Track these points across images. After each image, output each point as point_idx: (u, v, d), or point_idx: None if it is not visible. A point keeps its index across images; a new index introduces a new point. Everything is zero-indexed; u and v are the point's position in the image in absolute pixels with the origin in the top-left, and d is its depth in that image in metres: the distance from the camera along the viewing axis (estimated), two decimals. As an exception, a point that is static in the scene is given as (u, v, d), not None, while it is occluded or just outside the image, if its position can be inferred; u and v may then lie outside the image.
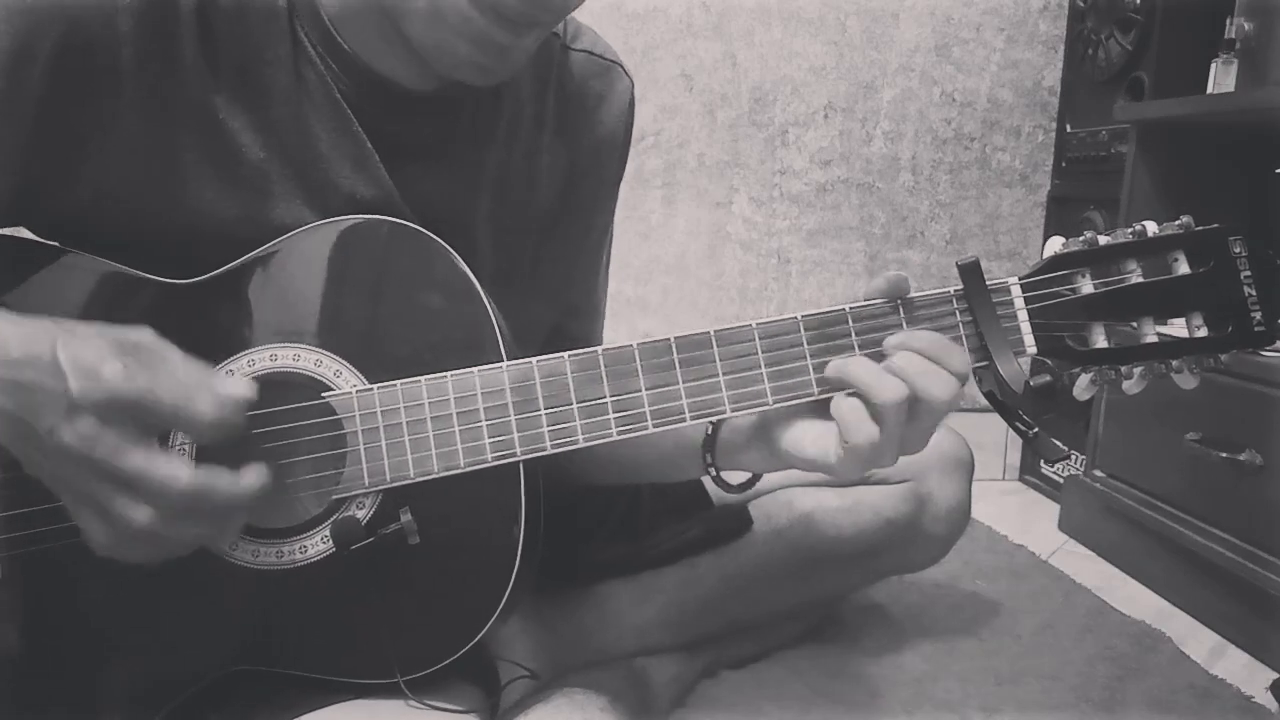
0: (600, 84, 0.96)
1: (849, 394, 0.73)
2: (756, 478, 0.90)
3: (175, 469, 0.65)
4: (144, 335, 0.68)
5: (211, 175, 0.77)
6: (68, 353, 0.64)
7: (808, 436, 0.77)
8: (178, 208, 0.77)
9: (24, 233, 0.81)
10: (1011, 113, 2.13)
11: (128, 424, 0.64)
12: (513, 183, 0.91)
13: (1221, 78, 1.61)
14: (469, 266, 0.78)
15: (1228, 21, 1.62)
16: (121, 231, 0.77)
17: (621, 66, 0.99)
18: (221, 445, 0.69)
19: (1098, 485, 1.71)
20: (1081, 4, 2.00)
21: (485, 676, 0.88)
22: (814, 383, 0.74)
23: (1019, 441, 2.14)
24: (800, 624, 1.29)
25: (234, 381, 0.71)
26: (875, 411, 0.71)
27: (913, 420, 0.71)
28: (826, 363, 0.74)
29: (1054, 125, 2.12)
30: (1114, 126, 1.86)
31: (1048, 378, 0.72)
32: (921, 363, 0.71)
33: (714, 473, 0.89)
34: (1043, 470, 2.11)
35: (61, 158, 0.75)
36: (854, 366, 0.73)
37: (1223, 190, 1.59)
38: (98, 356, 0.64)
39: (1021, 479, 2.19)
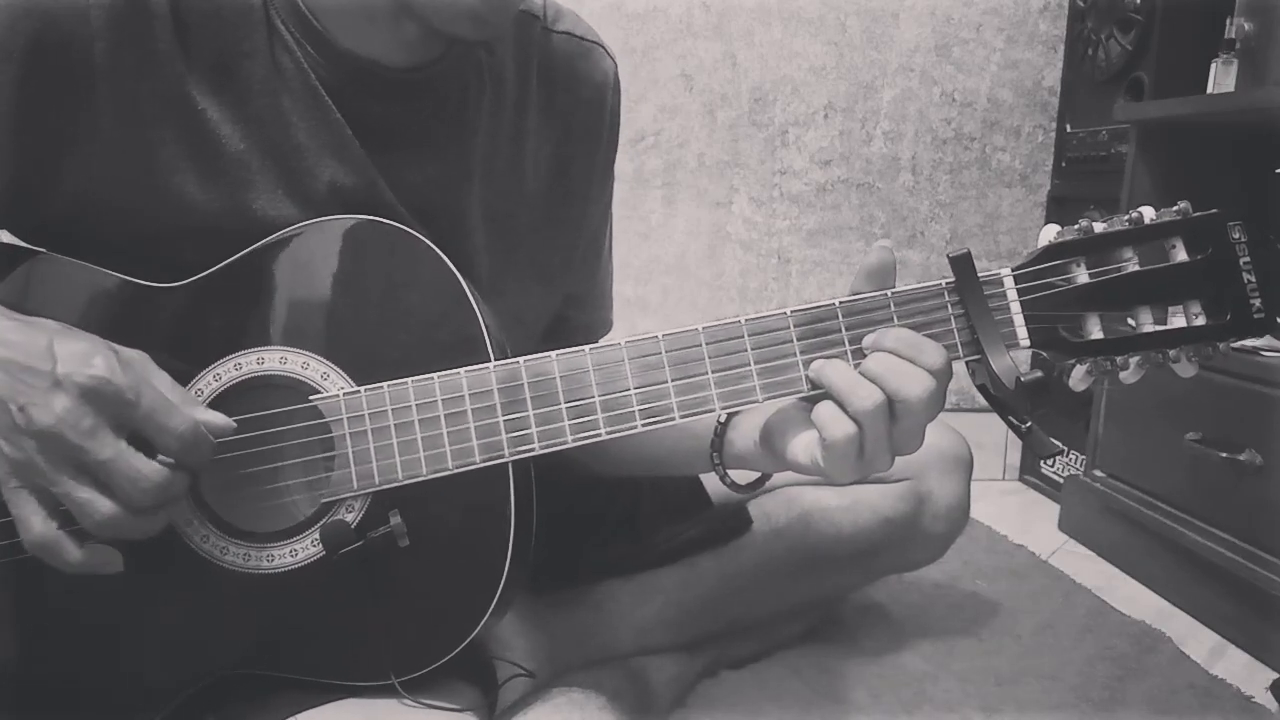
0: (583, 65, 0.96)
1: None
2: (765, 478, 0.90)
3: (145, 465, 0.67)
4: (139, 354, 0.70)
5: (192, 168, 0.77)
6: (62, 342, 0.66)
7: (799, 443, 0.77)
8: (160, 202, 0.77)
9: (4, 237, 0.81)
10: (1011, 113, 2.13)
11: (105, 413, 0.66)
12: (500, 168, 0.90)
13: (1221, 78, 1.60)
14: (464, 256, 0.77)
15: (1228, 21, 1.61)
16: (106, 230, 0.77)
17: (604, 47, 0.98)
18: (194, 465, 0.70)
19: (1098, 485, 1.71)
20: (1081, 4, 2.00)
21: (482, 675, 0.88)
22: (804, 379, 0.73)
23: (1019, 441, 2.14)
24: (800, 624, 1.29)
25: (216, 413, 0.71)
26: (853, 415, 0.70)
27: (896, 421, 0.71)
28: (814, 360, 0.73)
29: (1054, 125, 2.12)
30: (1114, 126, 1.86)
31: (1039, 373, 0.71)
32: (895, 362, 0.70)
33: (722, 472, 0.89)
34: (1043, 470, 2.11)
35: (42, 156, 0.75)
36: (830, 372, 0.72)
37: (1223, 190, 1.57)
38: (91, 349, 0.66)
39: (1021, 479, 2.19)
